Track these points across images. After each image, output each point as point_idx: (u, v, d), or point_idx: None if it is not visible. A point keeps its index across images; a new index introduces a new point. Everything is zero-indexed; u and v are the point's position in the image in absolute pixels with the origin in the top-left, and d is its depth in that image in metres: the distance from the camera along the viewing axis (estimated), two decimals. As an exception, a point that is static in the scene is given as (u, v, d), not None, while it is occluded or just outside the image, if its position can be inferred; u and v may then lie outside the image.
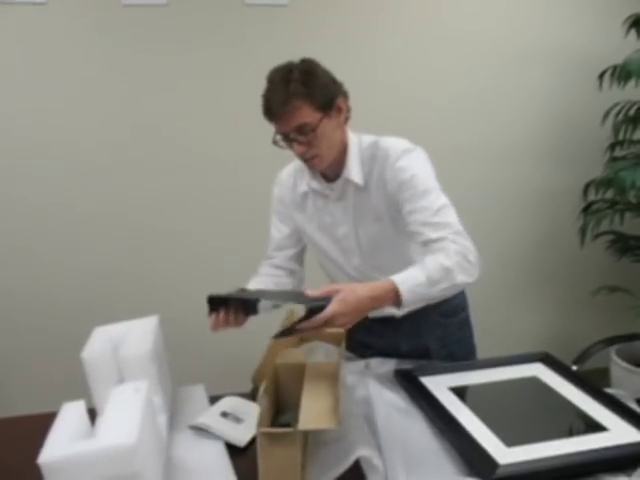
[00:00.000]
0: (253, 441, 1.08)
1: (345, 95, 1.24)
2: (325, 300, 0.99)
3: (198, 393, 1.32)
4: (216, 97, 2.23)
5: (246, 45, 2.21)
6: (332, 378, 1.07)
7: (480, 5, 2.36)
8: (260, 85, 1.20)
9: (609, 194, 2.36)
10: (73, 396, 1.00)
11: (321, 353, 1.23)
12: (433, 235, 1.15)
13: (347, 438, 1.01)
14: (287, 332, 1.03)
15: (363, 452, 0.97)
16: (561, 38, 2.45)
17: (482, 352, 1.54)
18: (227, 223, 2.33)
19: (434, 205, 1.18)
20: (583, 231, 2.39)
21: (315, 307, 0.98)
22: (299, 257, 1.47)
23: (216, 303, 1.13)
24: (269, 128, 1.22)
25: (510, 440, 1.02)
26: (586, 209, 2.47)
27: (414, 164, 1.23)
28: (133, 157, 2.22)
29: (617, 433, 1.04)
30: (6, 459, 1.09)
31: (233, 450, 1.09)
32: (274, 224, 1.45)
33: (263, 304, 1.17)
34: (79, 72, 2.12)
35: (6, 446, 1.15)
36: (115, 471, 0.80)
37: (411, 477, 0.95)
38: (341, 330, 1.16)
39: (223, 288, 1.21)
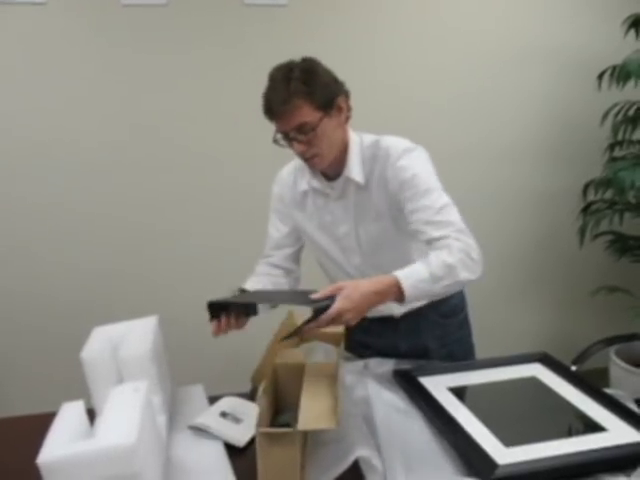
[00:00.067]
0: (252, 441, 1.07)
1: (346, 94, 1.24)
2: (329, 299, 1.00)
3: (197, 393, 1.32)
4: (215, 97, 2.23)
5: (245, 45, 2.21)
6: (331, 378, 1.07)
7: (479, 5, 2.37)
8: (259, 85, 1.20)
9: (608, 194, 2.36)
10: (72, 396, 1.00)
11: (320, 353, 1.23)
12: (436, 234, 1.16)
13: (346, 438, 1.02)
14: (295, 333, 1.05)
15: (362, 452, 0.97)
16: (560, 38, 2.45)
17: (481, 352, 1.54)
18: (227, 223, 2.33)
19: (436, 204, 1.19)
20: (582, 231, 2.39)
21: (320, 307, 0.99)
22: (296, 256, 1.47)
23: (216, 309, 1.13)
24: (269, 128, 1.22)
25: (509, 440, 1.02)
26: (585, 209, 2.47)
27: (415, 163, 1.23)
28: (133, 157, 2.22)
29: (616, 433, 1.04)
30: (5, 459, 1.09)
31: (232, 450, 1.09)
32: (273, 223, 1.45)
33: (263, 305, 1.18)
34: (79, 72, 2.12)
35: (5, 446, 1.15)
36: (114, 471, 0.80)
37: (410, 477, 0.96)
38: (340, 330, 1.16)
39: (223, 288, 1.21)
